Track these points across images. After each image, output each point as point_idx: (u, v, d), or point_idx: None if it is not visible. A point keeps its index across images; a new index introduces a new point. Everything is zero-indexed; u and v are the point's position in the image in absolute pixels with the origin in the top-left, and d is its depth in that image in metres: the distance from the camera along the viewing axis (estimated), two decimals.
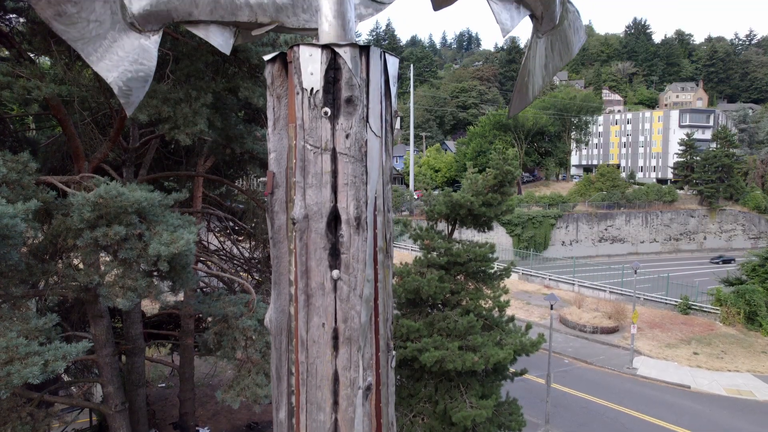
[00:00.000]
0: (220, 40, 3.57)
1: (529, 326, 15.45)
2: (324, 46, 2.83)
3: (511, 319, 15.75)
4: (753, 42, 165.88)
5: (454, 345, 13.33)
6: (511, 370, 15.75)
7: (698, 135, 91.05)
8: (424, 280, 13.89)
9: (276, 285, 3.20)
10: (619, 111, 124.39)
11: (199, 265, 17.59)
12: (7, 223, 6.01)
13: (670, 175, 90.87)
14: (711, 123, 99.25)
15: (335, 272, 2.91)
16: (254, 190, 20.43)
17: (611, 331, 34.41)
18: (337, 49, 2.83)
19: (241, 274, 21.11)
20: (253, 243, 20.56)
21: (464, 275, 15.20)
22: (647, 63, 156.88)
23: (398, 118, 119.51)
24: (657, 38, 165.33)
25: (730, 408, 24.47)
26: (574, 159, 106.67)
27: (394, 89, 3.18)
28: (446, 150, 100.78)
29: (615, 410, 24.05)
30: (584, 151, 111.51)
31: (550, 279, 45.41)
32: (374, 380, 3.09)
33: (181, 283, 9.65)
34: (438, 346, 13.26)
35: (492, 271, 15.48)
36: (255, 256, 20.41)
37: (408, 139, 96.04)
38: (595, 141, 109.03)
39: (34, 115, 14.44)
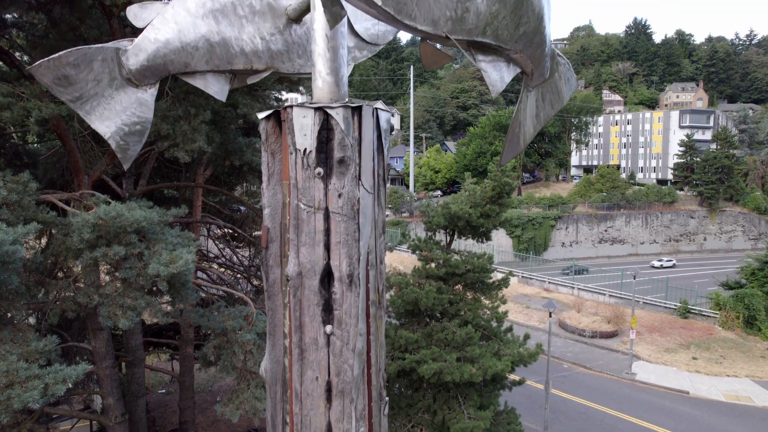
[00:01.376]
0: (216, 88, 3.64)
1: (527, 336, 15.49)
2: (317, 108, 2.86)
3: (510, 329, 15.81)
4: (753, 42, 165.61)
5: (452, 356, 13.38)
6: (510, 377, 15.79)
7: (698, 136, 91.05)
8: (423, 292, 13.94)
9: (271, 336, 3.25)
10: (619, 111, 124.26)
11: (199, 273, 17.66)
12: (8, 250, 6.10)
13: (670, 176, 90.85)
14: (711, 123, 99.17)
15: (328, 327, 2.96)
16: (254, 191, 20.45)
17: (610, 335, 34.44)
18: (329, 111, 2.86)
19: (241, 279, 21.18)
20: (252, 250, 20.62)
21: (462, 286, 15.25)
22: (647, 63, 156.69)
23: (398, 118, 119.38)
24: (657, 38, 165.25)
25: (728, 414, 24.51)
26: (574, 160, 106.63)
27: (386, 143, 3.22)
28: (446, 151, 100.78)
29: (613, 416, 24.10)
30: (584, 152, 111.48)
31: (549, 282, 45.42)
32: (367, 430, 3.15)
33: (181, 299, 9.71)
34: (436, 358, 13.30)
35: (490, 281, 15.53)
36: (255, 263, 20.46)
37: (408, 140, 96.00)
38: (595, 142, 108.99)
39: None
